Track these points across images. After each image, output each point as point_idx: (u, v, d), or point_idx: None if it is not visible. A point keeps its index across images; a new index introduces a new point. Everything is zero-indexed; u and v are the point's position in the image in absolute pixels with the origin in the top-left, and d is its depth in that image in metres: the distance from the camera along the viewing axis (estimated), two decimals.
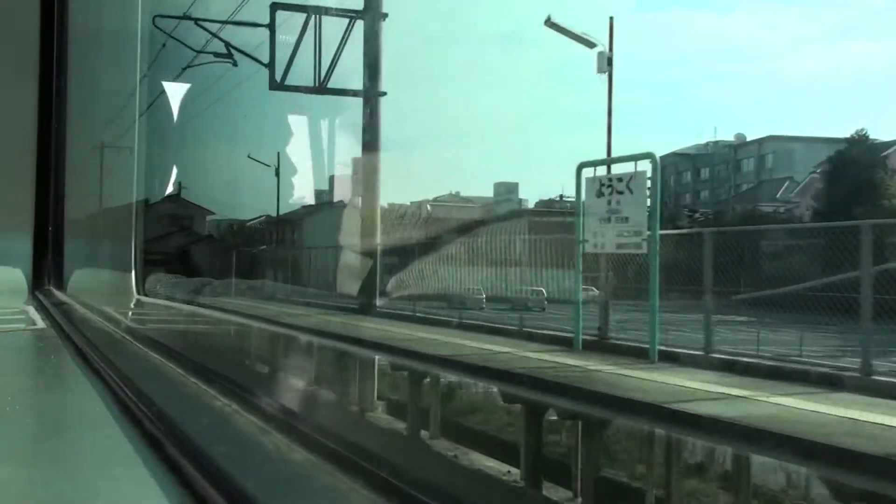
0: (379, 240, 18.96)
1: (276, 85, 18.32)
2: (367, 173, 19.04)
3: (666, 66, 68.42)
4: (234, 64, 19.01)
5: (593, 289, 25.82)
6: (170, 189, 24.78)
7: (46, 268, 8.06)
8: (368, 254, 18.61)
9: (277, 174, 26.36)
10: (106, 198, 13.51)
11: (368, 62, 18.44)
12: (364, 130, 18.66)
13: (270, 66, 18.56)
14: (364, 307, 18.48)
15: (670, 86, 66.60)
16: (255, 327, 17.25)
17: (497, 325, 16.99)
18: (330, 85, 18.42)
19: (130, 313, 9.97)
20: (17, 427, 2.80)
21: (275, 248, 31.30)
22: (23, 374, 4.31)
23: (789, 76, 65.15)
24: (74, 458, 2.40)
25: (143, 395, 2.79)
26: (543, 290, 19.76)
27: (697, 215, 41.99)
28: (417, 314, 19.30)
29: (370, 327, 15.90)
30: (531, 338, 15.00)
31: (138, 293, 12.03)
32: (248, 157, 25.60)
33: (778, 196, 42.37)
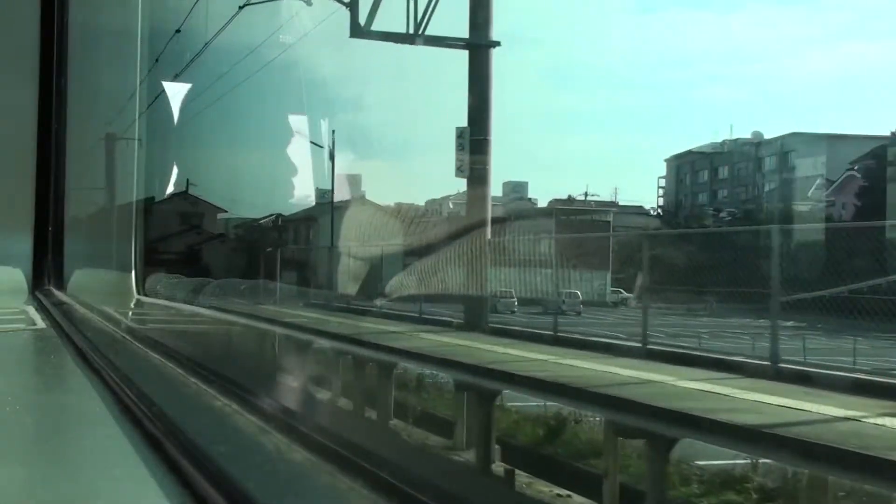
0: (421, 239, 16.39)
1: (360, 31, 14.79)
2: (474, 153, 14.98)
3: (666, 66, 68.39)
4: (308, 3, 15.35)
5: (622, 291, 23.85)
6: (179, 186, 22.63)
7: (46, 268, 8.05)
8: (475, 258, 15.17)
9: (332, 157, 22.17)
10: (108, 195, 13.36)
11: (475, 5, 15.01)
12: (470, 91, 14.96)
13: (353, 6, 14.89)
14: (472, 321, 14.69)
15: (670, 86, 66.57)
16: (360, 356, 13.04)
17: (677, 350, 12.19)
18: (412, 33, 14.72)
19: (130, 314, 9.96)
20: (17, 427, 2.80)
21: (315, 247, 27.30)
22: (23, 374, 4.30)
23: (790, 76, 65.16)
24: (74, 458, 2.40)
25: (143, 396, 2.79)
26: (579, 293, 18.09)
27: (723, 214, 40.13)
28: (559, 333, 14.22)
29: (546, 360, 11.39)
30: (779, 375, 9.68)
31: (138, 293, 11.99)
32: (298, 132, 22.72)
33: (809, 194, 40.72)
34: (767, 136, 47.60)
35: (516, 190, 45.61)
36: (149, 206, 15.63)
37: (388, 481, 2.04)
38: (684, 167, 53.05)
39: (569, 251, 16.83)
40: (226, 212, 29.09)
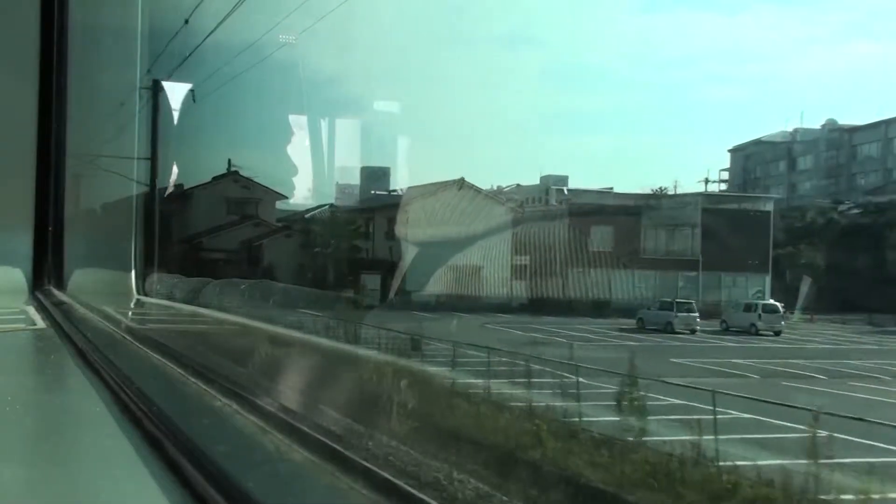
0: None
1: None
2: None
3: (670, 66, 68.34)
4: None
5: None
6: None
7: (46, 267, 8.04)
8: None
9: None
10: (118, 186, 12.89)
11: None
12: None
13: None
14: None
15: (674, 86, 66.44)
16: None
17: None
18: None
19: (130, 314, 9.94)
20: (17, 427, 2.79)
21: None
22: (23, 374, 4.30)
23: (794, 76, 65.06)
24: (74, 458, 2.40)
25: (143, 395, 2.79)
26: (779, 305, 13.84)
27: (851, 208, 31.93)
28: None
29: None
30: None
31: (138, 293, 11.93)
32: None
33: None
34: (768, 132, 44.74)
35: (557, 183, 40.36)
36: (185, 192, 13.31)
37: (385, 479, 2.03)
38: (754, 158, 47.31)
39: (721, 249, 13.13)
40: (286, 198, 23.65)
